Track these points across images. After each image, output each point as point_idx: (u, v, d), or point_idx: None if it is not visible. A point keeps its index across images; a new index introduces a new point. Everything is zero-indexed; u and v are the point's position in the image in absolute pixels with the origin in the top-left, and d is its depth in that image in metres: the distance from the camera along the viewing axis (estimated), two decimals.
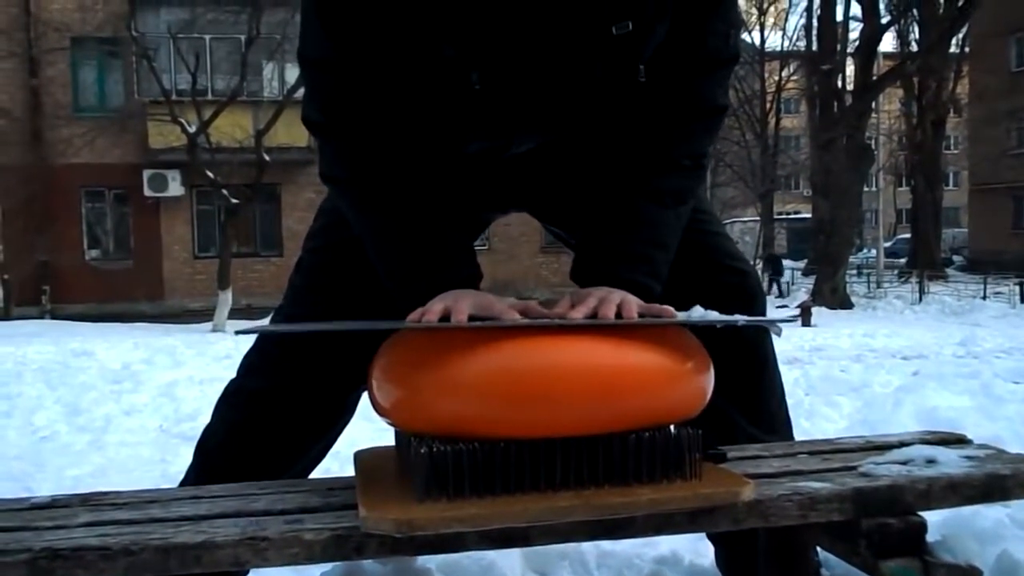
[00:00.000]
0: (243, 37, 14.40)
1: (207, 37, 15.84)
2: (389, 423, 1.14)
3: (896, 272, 25.83)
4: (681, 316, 1.14)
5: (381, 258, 1.25)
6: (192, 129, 13.98)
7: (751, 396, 1.49)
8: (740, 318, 1.15)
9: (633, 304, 1.12)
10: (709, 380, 1.14)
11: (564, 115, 1.26)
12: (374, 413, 1.16)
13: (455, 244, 1.23)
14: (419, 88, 1.21)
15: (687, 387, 1.11)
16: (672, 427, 1.08)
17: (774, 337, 1.48)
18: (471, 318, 1.08)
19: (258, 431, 1.44)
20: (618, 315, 1.10)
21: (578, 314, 1.10)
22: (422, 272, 1.19)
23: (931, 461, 1.24)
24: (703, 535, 1.67)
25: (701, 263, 1.42)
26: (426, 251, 1.20)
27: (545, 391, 1.01)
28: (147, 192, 16.45)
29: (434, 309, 1.09)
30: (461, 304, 1.09)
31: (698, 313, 1.14)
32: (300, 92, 1.46)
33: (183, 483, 1.47)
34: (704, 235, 1.45)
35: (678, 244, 1.29)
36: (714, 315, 1.14)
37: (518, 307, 1.12)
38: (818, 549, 1.44)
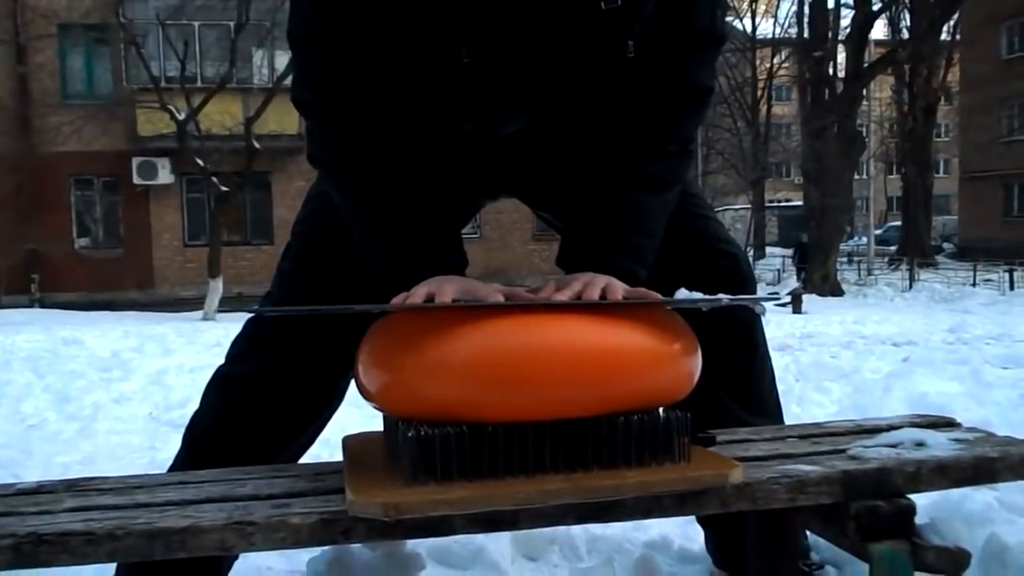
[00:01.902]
0: (232, 23, 14.28)
1: (196, 23, 15.72)
2: (376, 407, 1.13)
3: (886, 259, 25.93)
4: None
5: (368, 243, 1.25)
6: (181, 116, 13.87)
7: (741, 380, 1.49)
8: (724, 297, 1.15)
9: (618, 288, 1.12)
10: (696, 362, 1.14)
11: (553, 92, 1.26)
12: (362, 399, 1.15)
13: (442, 231, 1.22)
14: (409, 64, 1.21)
15: (674, 368, 1.11)
16: (661, 410, 1.08)
17: (764, 323, 1.48)
18: (456, 303, 1.08)
19: (246, 416, 1.43)
20: (602, 298, 1.10)
21: (563, 297, 1.10)
22: (408, 259, 1.18)
23: (920, 444, 1.24)
24: (693, 519, 1.67)
25: (692, 246, 1.42)
26: (412, 238, 1.20)
27: (532, 373, 1.00)
28: (136, 180, 16.35)
29: (418, 293, 1.09)
30: (446, 288, 1.09)
31: (682, 294, 1.14)
32: (290, 79, 1.44)
33: (171, 469, 1.47)
34: (694, 218, 1.45)
35: (665, 229, 1.29)
36: (697, 295, 1.14)
37: (504, 292, 1.12)
38: (807, 532, 1.45)
